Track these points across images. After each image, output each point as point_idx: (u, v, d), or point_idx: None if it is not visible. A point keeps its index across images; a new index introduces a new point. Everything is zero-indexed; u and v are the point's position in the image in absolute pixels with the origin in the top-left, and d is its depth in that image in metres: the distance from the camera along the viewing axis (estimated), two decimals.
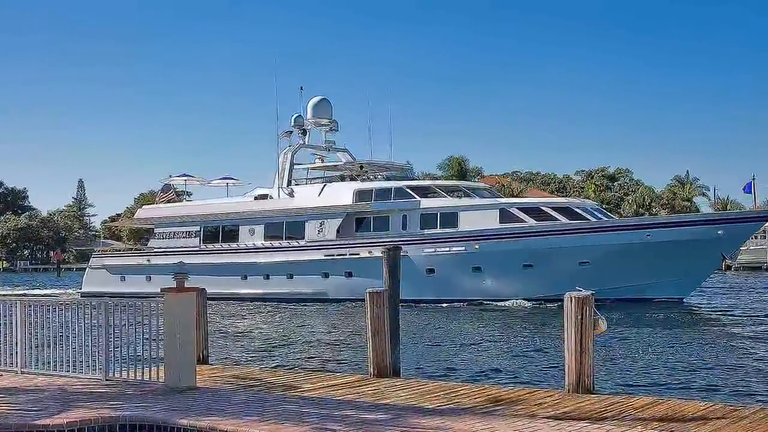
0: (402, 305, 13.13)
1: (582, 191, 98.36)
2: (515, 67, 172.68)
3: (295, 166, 45.44)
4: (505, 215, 37.03)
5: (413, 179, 46.52)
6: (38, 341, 11.83)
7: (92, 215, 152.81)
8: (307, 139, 46.47)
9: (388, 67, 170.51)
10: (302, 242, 41.75)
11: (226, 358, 19.37)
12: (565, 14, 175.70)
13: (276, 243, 42.73)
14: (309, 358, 19.81)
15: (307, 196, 42.59)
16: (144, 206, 57.24)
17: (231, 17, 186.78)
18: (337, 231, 40.80)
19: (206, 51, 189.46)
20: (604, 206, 66.37)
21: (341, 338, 24.30)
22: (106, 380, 11.01)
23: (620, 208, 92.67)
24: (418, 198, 39.40)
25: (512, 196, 69.62)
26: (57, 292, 52.11)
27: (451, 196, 40.03)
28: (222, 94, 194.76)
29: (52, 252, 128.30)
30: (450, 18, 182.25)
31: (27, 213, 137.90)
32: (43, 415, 8.76)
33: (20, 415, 8.74)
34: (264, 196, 44.97)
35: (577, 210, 37.22)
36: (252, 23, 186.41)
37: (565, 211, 37.02)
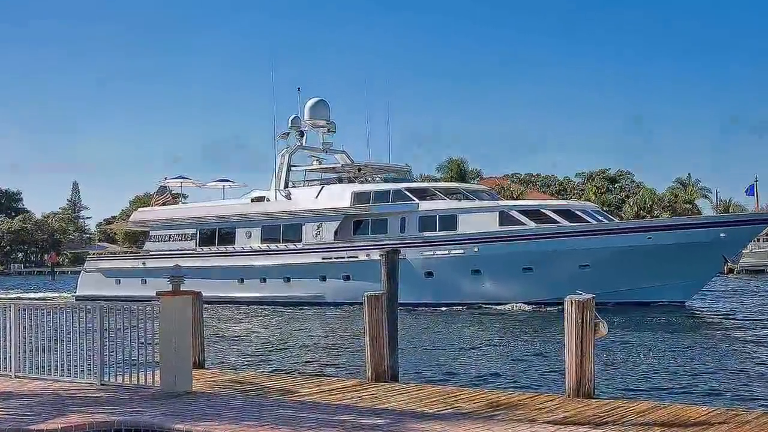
0: (400, 309, 13.06)
1: (582, 193, 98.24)
2: (515, 66, 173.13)
3: (293, 168, 45.29)
4: (505, 218, 36.87)
5: (412, 181, 46.41)
6: (32, 345, 11.76)
7: (87, 218, 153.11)
8: (304, 141, 46.40)
9: (387, 67, 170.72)
10: (299, 245, 41.64)
11: (222, 362, 19.27)
12: (565, 14, 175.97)
13: (273, 246, 42.61)
14: (306, 362, 19.71)
15: (305, 199, 42.50)
16: (139, 209, 57.10)
17: (230, 18, 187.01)
18: (335, 234, 40.68)
19: (206, 51, 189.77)
20: (604, 208, 66.39)
21: (339, 342, 24.18)
22: (101, 384, 10.94)
23: (621, 210, 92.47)
24: (417, 200, 39.26)
25: (512, 198, 69.50)
26: (51, 295, 52.08)
27: (450, 199, 39.88)
28: (220, 95, 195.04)
29: (46, 255, 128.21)
30: (451, 18, 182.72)
31: (21, 215, 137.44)
32: (37, 420, 8.72)
33: (14, 420, 8.70)
34: (261, 199, 44.85)
35: (578, 212, 37.08)
36: (251, 24, 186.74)
37: (565, 213, 36.88)
